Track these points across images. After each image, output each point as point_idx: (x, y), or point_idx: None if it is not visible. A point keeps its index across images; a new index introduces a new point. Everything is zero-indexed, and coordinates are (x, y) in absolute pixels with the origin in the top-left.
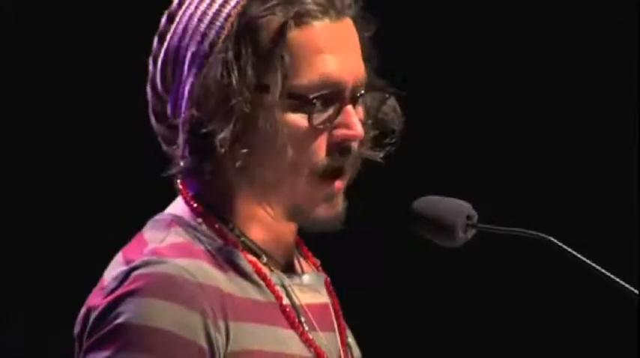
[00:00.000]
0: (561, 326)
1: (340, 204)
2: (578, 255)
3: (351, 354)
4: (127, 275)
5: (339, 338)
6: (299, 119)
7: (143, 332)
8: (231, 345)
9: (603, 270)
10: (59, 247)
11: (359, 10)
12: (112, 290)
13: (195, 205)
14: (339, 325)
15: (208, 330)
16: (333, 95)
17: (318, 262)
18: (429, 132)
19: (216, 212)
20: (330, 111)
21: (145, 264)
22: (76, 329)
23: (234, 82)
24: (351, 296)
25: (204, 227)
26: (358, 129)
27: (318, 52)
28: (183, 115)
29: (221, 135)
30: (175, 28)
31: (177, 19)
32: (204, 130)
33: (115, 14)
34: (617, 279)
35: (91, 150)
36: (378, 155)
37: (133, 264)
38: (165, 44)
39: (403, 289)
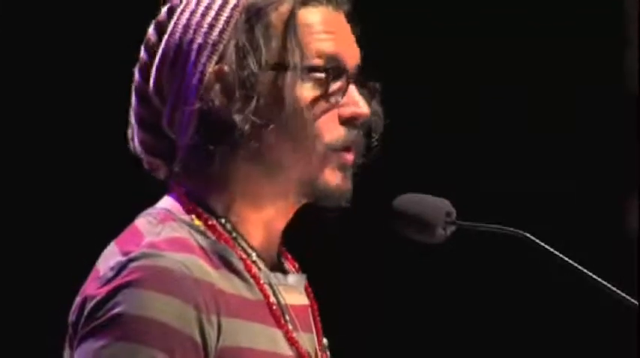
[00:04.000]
0: (540, 322)
1: (350, 179)
2: (554, 251)
3: (326, 353)
4: (124, 266)
5: (316, 339)
6: (314, 92)
7: (140, 323)
8: (222, 341)
9: (579, 266)
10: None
11: (350, 10)
12: (109, 280)
13: (187, 201)
14: (316, 326)
15: (202, 324)
16: (341, 70)
17: (297, 264)
18: (409, 130)
19: (209, 208)
20: (339, 84)
21: (144, 256)
22: (72, 317)
23: (251, 64)
24: (332, 294)
25: (197, 222)
26: (365, 107)
27: (325, 31)
28: (190, 107)
29: (243, 116)
30: (173, 30)
31: (171, 23)
32: (220, 114)
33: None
34: (594, 276)
35: (81, 149)
36: (361, 159)
37: (130, 256)
38: (160, 49)
39: (384, 286)
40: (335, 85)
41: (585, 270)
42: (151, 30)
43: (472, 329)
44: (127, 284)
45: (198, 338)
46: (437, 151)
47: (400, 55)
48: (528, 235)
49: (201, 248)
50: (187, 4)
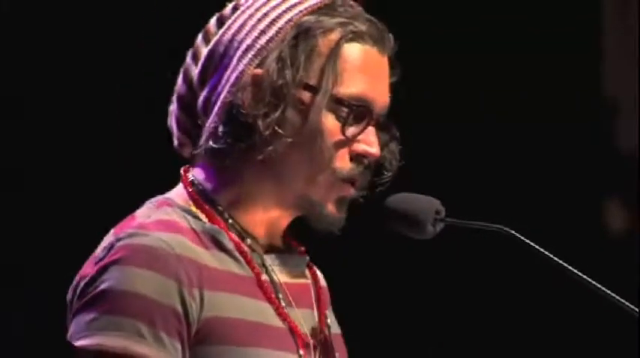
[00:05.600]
0: (524, 316)
1: (344, 211)
2: (537, 247)
3: (329, 333)
4: (112, 246)
5: (316, 316)
6: (334, 123)
7: (125, 296)
8: (205, 312)
9: (560, 261)
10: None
11: (393, 56)
12: (100, 260)
13: (190, 189)
14: (319, 305)
15: (183, 296)
16: (365, 111)
17: (303, 248)
18: (403, 134)
19: (210, 198)
20: (359, 124)
21: (129, 235)
22: (69, 296)
23: (287, 76)
24: (331, 289)
25: (194, 208)
26: (377, 149)
27: (362, 70)
28: (223, 99)
29: (267, 121)
30: (230, 25)
31: (231, 19)
32: (247, 114)
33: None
34: (576, 271)
35: (97, 145)
36: (363, 193)
37: (118, 236)
38: (215, 39)
39: (377, 279)
40: (355, 122)
41: (567, 265)
42: (212, 21)
43: (460, 320)
44: (112, 263)
45: (179, 308)
46: (429, 153)
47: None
48: (512, 231)
49: (193, 230)
50: (250, 6)
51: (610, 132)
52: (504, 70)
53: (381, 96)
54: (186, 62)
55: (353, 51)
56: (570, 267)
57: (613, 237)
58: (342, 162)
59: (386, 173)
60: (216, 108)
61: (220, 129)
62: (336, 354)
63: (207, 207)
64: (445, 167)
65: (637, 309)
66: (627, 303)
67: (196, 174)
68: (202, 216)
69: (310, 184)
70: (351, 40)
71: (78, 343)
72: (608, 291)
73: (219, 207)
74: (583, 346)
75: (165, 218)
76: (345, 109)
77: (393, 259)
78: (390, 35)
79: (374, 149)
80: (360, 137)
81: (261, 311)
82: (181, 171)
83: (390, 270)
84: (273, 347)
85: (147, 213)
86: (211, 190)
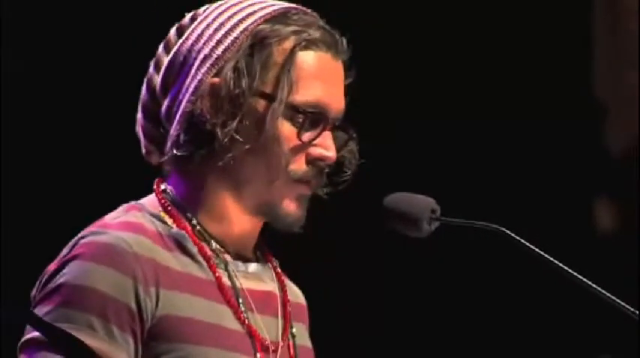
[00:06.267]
0: (516, 311)
1: (304, 208)
2: (529, 245)
3: (294, 341)
4: (75, 243)
5: (280, 324)
6: (290, 129)
7: (80, 291)
8: (160, 310)
9: (552, 259)
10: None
11: (348, 59)
12: (63, 257)
13: (160, 197)
14: (284, 314)
15: (138, 294)
16: (321, 117)
17: (276, 262)
18: (398, 136)
19: (180, 205)
20: (315, 129)
21: (91, 233)
22: (33, 291)
23: (244, 85)
24: (330, 286)
25: (162, 214)
26: (333, 153)
27: (316, 77)
28: (183, 108)
29: (225, 129)
30: (188, 36)
31: (189, 29)
32: (206, 122)
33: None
34: (569, 269)
35: (86, 150)
36: (324, 190)
37: (81, 234)
38: (174, 49)
39: (375, 277)
40: (311, 130)
41: (559, 263)
42: (172, 31)
43: (453, 317)
44: (72, 258)
45: (133, 306)
46: (427, 154)
47: (384, 52)
48: (505, 230)
49: (158, 233)
50: (207, 16)
51: (599, 132)
52: (497, 70)
53: (336, 101)
54: (149, 71)
55: (307, 58)
56: (565, 267)
57: (602, 236)
58: (298, 165)
59: (346, 171)
60: (177, 117)
61: (182, 136)
62: None
63: (175, 212)
64: (441, 167)
65: (637, 312)
66: (627, 306)
67: (168, 183)
68: (170, 221)
69: (267, 188)
70: (305, 47)
71: (29, 335)
72: (608, 294)
73: (188, 214)
74: (577, 343)
75: (131, 220)
76: (301, 116)
77: (388, 257)
78: (344, 39)
79: (330, 153)
80: (316, 141)
81: (218, 313)
82: (155, 181)
83: (385, 268)
84: (226, 348)
85: (115, 215)
86: (181, 198)
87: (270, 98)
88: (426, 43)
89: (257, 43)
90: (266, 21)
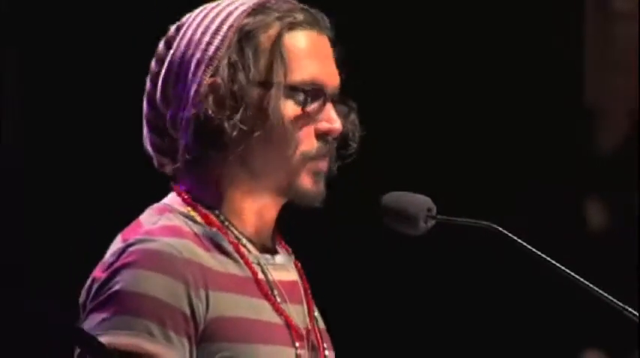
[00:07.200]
0: (511, 311)
1: (323, 183)
2: (522, 242)
3: (317, 325)
4: (123, 251)
5: (306, 310)
6: (295, 109)
7: (135, 298)
8: (210, 312)
9: (544, 256)
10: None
11: (332, 34)
12: (111, 264)
13: (185, 196)
14: (307, 300)
15: (191, 298)
16: (319, 92)
17: (290, 249)
18: (397, 136)
19: (204, 203)
20: (316, 104)
21: (139, 241)
22: (81, 298)
23: (241, 79)
24: (329, 283)
25: (192, 214)
26: (339, 124)
27: (307, 55)
28: (188, 113)
29: (231, 123)
30: (178, 45)
31: (177, 40)
32: (212, 121)
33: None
34: (563, 267)
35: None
36: (335, 164)
37: (128, 242)
38: (167, 61)
39: (368, 274)
40: (313, 104)
41: (551, 260)
42: (161, 44)
43: (448, 314)
44: (123, 266)
45: (187, 310)
46: (424, 154)
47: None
48: (499, 228)
49: (195, 234)
50: (191, 23)
51: (590, 133)
52: (492, 73)
53: (330, 74)
54: (147, 87)
55: (294, 39)
56: (558, 264)
57: (592, 234)
58: (308, 144)
59: (351, 143)
60: (183, 122)
61: (191, 140)
62: (324, 345)
63: (204, 211)
64: (436, 167)
65: (637, 313)
66: (628, 308)
67: (184, 186)
68: (199, 219)
69: (283, 171)
70: (290, 29)
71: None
72: (605, 294)
73: (216, 211)
74: (566, 338)
75: (169, 224)
76: (301, 95)
77: (385, 254)
78: (324, 15)
79: (336, 124)
80: (320, 116)
81: (258, 309)
82: (171, 186)
83: (381, 265)
84: (270, 342)
85: (151, 219)
86: (202, 194)
87: (268, 84)
88: (422, 43)
89: (244, 37)
90: (248, 15)
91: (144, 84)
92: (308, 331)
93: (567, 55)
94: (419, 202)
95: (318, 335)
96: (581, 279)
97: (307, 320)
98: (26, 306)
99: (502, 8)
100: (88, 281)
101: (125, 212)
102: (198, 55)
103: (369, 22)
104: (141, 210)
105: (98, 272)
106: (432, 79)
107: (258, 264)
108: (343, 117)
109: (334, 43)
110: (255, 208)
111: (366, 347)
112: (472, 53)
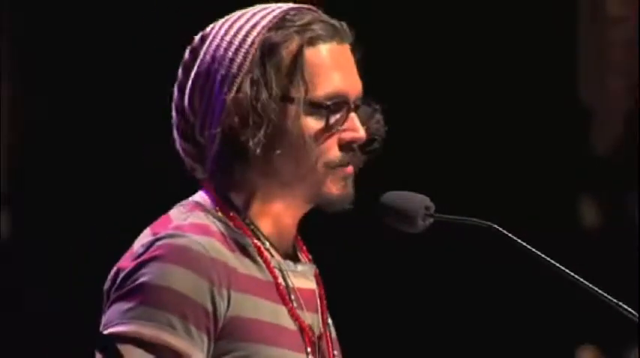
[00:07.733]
0: (509, 308)
1: (351, 186)
2: (519, 241)
3: (330, 333)
4: (152, 243)
5: (320, 319)
6: (317, 123)
7: (160, 291)
8: (231, 311)
9: (542, 255)
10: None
11: (353, 39)
12: (139, 255)
13: (215, 196)
14: (322, 309)
15: (214, 295)
16: (342, 104)
17: (310, 256)
18: (397, 138)
19: (231, 205)
20: (339, 116)
21: (168, 236)
22: (106, 285)
23: (263, 96)
24: (327, 280)
25: (220, 214)
26: (362, 133)
27: (329, 68)
28: (213, 129)
29: (255, 140)
30: (203, 58)
31: (202, 51)
32: (237, 137)
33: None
34: (558, 264)
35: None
36: (362, 159)
37: (158, 235)
38: (193, 73)
39: (368, 273)
40: (336, 115)
41: (547, 257)
42: (186, 54)
43: (446, 312)
44: (151, 259)
45: (209, 307)
46: (423, 155)
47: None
48: (497, 227)
49: (222, 234)
50: (215, 36)
51: (585, 134)
52: (490, 74)
53: (353, 84)
54: (175, 95)
55: (315, 53)
56: (555, 263)
57: (586, 231)
58: (332, 154)
59: (376, 138)
60: (210, 138)
61: (218, 154)
62: (334, 352)
63: (232, 213)
64: (435, 166)
65: (637, 314)
66: (628, 308)
67: (213, 187)
68: (228, 221)
69: (309, 182)
70: (310, 43)
71: (113, 329)
72: (605, 294)
73: (242, 215)
74: (563, 334)
75: (198, 222)
76: (324, 110)
77: (385, 254)
78: (344, 23)
79: (360, 133)
80: (344, 126)
81: (277, 313)
82: (200, 183)
83: (381, 265)
84: (284, 347)
85: (181, 215)
86: (230, 198)
87: (289, 100)
88: (422, 45)
89: (266, 53)
90: (269, 29)
91: (144, 83)
92: (320, 338)
93: (562, 58)
94: (417, 201)
95: (330, 342)
96: (578, 277)
97: (321, 327)
98: (27, 306)
99: (499, 12)
100: (114, 270)
101: (125, 212)
102: (222, 71)
103: (368, 24)
104: (141, 210)
105: (125, 262)
106: (431, 80)
107: (280, 269)
108: (368, 118)
109: (355, 48)
110: (281, 214)
111: (366, 346)
112: (470, 56)
